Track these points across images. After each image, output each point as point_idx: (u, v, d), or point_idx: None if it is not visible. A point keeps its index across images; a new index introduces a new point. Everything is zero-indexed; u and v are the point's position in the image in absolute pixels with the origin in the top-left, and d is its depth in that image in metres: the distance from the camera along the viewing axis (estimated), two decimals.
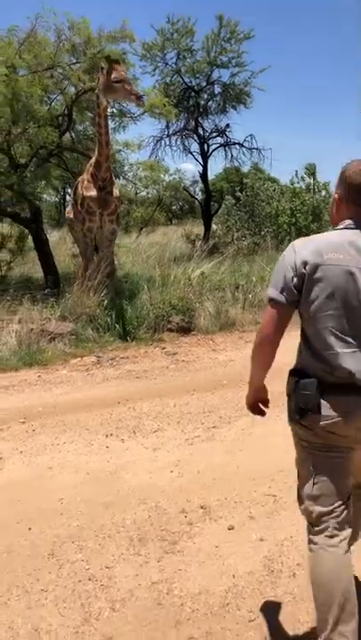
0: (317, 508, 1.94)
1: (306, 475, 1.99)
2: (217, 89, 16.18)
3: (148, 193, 26.84)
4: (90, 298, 7.22)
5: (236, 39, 15.56)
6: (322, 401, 1.87)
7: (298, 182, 15.78)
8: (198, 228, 18.71)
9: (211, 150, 16.68)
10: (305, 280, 1.85)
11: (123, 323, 7.11)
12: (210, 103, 16.40)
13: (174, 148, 16.47)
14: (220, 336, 7.15)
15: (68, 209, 8.79)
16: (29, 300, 7.51)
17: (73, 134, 10.48)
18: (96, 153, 7.58)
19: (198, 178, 17.69)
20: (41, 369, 5.93)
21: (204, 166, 16.52)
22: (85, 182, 7.72)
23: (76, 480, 3.53)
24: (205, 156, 16.47)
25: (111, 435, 4.20)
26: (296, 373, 1.97)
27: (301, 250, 1.88)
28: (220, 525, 3.01)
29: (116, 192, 7.92)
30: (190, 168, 49.30)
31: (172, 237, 19.12)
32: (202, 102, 16.18)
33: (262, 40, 58.87)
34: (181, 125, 16.11)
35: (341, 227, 1.94)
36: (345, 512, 1.94)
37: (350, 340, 1.85)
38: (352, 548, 1.99)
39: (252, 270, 11.02)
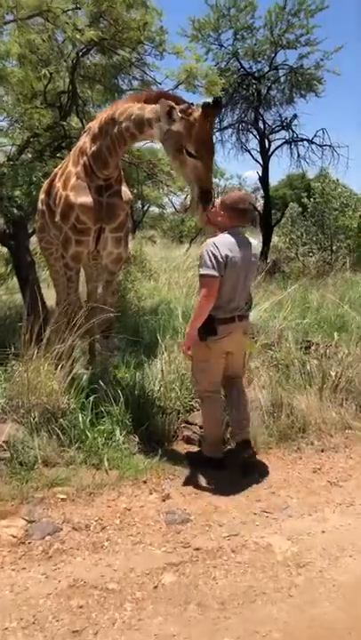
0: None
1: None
2: (282, 74, 12.57)
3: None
4: (52, 376, 3.91)
5: (307, 11, 11.90)
6: (218, 327, 3.31)
7: None
8: (257, 239, 15.05)
9: (273, 148, 13.05)
10: (226, 264, 3.23)
11: (107, 425, 3.77)
12: (273, 92, 12.80)
13: (228, 145, 12.96)
14: (277, 459, 3.65)
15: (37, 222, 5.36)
16: None
17: (83, 118, 7.13)
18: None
19: (259, 183, 14.03)
20: None
21: (265, 167, 12.91)
22: (73, 179, 4.29)
23: None
24: (266, 154, 12.86)
25: None
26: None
27: (221, 248, 3.24)
28: None
29: (126, 193, 4.40)
30: (253, 176, 45.34)
31: None
32: (263, 90, 12.61)
33: (338, 11, 43.77)
34: (237, 117, 12.59)
35: (227, 232, 3.35)
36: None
37: (239, 294, 3.36)
38: None
39: (323, 304, 7.45)
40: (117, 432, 3.72)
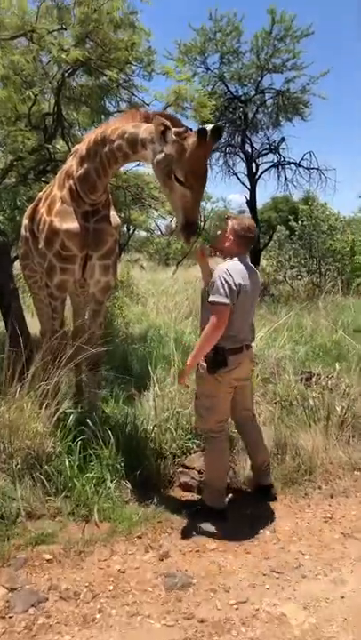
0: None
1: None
2: (268, 97, 12.54)
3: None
4: (37, 417, 3.58)
5: (293, 37, 11.93)
6: (229, 358, 3.10)
7: None
8: None
9: (260, 171, 12.94)
10: (239, 292, 3.08)
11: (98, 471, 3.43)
12: (260, 115, 12.76)
13: (215, 169, 12.86)
14: (284, 506, 3.34)
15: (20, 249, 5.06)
16: None
17: (69, 141, 6.89)
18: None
19: (245, 206, 13.90)
20: None
21: (252, 190, 12.79)
22: (58, 204, 4.02)
23: None
24: (253, 177, 12.76)
25: None
26: (214, 349, 3.08)
27: (235, 275, 3.08)
28: None
29: (115, 218, 4.14)
30: (237, 199, 45.45)
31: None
32: (250, 114, 12.56)
33: (324, 37, 47.88)
34: (224, 141, 12.49)
35: (236, 259, 3.20)
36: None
37: (247, 322, 3.25)
38: None
39: (317, 329, 7.23)
40: (108, 479, 3.39)
